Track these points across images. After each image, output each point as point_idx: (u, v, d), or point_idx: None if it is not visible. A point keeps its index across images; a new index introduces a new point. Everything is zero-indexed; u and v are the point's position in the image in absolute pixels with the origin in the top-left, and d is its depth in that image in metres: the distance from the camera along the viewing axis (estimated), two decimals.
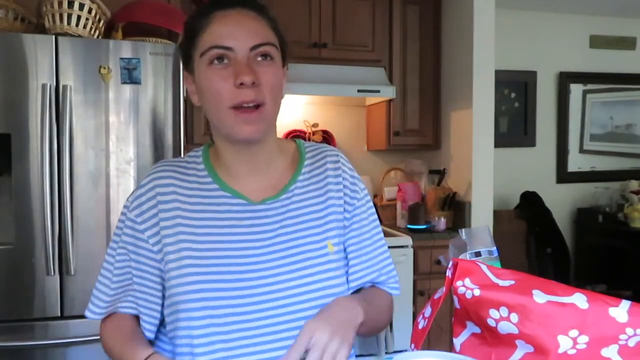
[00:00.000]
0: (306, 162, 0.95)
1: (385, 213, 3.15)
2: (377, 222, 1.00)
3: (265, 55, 0.85)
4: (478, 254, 0.80)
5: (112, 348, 0.87)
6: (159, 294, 0.89)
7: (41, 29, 2.14)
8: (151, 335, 0.90)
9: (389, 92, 2.90)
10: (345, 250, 0.94)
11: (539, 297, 0.64)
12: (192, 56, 0.87)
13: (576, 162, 4.06)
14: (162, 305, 0.90)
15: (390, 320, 1.00)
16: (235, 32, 0.83)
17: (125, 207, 0.91)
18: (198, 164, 0.93)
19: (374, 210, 1.00)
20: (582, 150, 4.08)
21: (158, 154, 2.06)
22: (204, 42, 0.84)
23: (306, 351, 0.71)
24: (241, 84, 0.81)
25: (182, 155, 2.09)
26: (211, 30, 0.84)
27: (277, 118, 0.91)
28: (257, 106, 0.83)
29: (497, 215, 3.28)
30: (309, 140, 3.12)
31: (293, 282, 0.85)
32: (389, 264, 0.98)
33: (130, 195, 0.92)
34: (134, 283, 0.89)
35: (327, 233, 0.90)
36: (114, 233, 0.93)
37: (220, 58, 0.83)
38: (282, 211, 0.89)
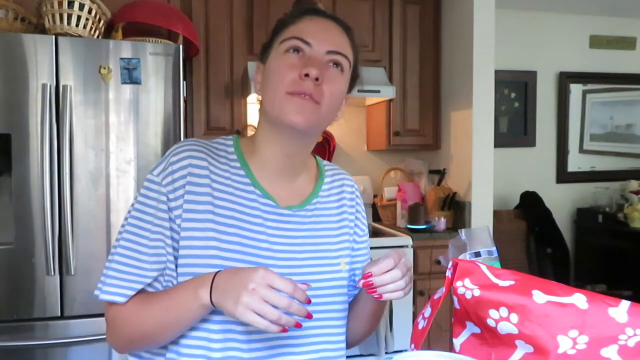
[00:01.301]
0: (326, 180, 0.99)
1: (385, 213, 3.15)
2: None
3: (336, 64, 0.87)
4: (478, 254, 0.80)
5: (147, 316, 0.80)
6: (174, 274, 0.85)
7: (41, 29, 2.14)
8: None
9: (389, 92, 2.90)
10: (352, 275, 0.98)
11: (539, 297, 0.64)
12: (272, 45, 0.90)
13: (576, 162, 4.06)
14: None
15: (377, 327, 1.05)
16: (318, 33, 0.86)
17: (152, 182, 0.84)
18: (229, 153, 0.91)
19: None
20: (582, 150, 4.08)
21: (158, 154, 2.06)
22: (287, 32, 0.87)
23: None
24: (306, 75, 0.82)
25: None
26: (298, 25, 0.87)
27: (320, 133, 0.95)
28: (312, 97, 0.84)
29: (497, 215, 3.28)
30: None
31: (308, 291, 0.86)
32: None
33: (154, 169, 0.86)
34: (167, 262, 0.83)
35: (341, 252, 0.94)
36: (137, 204, 0.84)
37: (295, 49, 0.85)
38: (304, 221, 0.91)
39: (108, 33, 2.28)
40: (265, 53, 0.91)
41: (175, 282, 0.84)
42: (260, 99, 0.91)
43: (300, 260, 0.88)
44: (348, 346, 0.97)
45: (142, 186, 0.86)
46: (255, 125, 3.27)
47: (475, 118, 2.81)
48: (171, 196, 0.83)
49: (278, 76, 0.84)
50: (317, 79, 0.82)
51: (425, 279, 2.71)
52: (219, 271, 0.77)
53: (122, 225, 0.85)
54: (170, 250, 0.83)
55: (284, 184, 0.92)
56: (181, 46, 2.11)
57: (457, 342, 0.73)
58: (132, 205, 0.86)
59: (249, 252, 0.84)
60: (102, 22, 2.19)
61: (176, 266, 0.84)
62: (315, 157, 1.02)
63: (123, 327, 0.83)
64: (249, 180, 0.89)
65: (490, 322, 0.66)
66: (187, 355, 0.82)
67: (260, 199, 0.88)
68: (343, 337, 0.94)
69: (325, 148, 3.18)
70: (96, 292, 0.83)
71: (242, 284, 0.71)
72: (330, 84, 0.84)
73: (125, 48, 2.02)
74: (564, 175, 4.03)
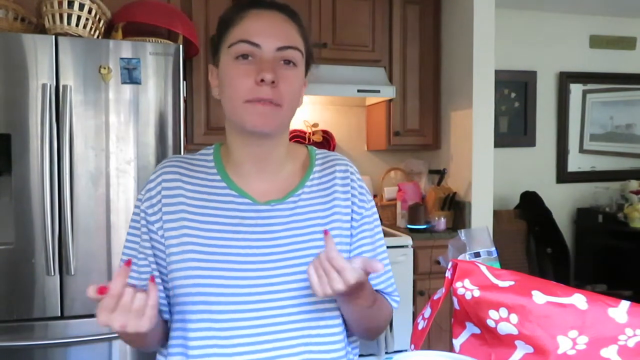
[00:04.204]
0: (315, 169, 0.96)
1: (385, 213, 3.15)
2: (382, 234, 1.01)
3: (289, 61, 0.86)
4: (477, 255, 0.80)
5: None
6: (166, 290, 0.91)
7: (41, 29, 2.14)
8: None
9: (389, 92, 2.90)
10: (350, 257, 0.93)
11: (539, 297, 0.64)
12: (220, 48, 0.89)
13: (576, 162, 4.06)
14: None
15: (384, 330, 1.01)
16: (265, 31, 0.85)
17: (138, 200, 0.93)
18: (208, 162, 0.94)
19: (379, 222, 1.01)
20: (582, 150, 4.08)
21: (158, 154, 2.06)
22: (233, 35, 0.86)
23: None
24: (262, 80, 0.82)
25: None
26: (243, 25, 0.86)
27: (290, 124, 0.94)
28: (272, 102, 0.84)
29: (497, 215, 3.28)
30: (309, 140, 3.12)
31: (292, 284, 0.85)
32: (392, 277, 0.98)
33: (142, 189, 0.94)
34: (152, 272, 0.90)
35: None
36: (131, 228, 0.94)
37: (245, 55, 0.84)
38: (286, 214, 0.90)
39: (108, 33, 2.28)
40: (216, 56, 0.91)
41: (171, 292, 0.89)
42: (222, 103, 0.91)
43: (285, 254, 0.87)
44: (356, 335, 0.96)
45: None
46: None
47: (475, 118, 2.81)
48: (149, 211, 0.90)
49: (233, 86, 0.84)
50: (272, 82, 0.82)
51: (425, 279, 2.71)
52: None
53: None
54: (152, 259, 0.90)
55: (265, 180, 0.92)
56: (181, 46, 2.11)
57: (457, 342, 0.73)
58: None
59: (227, 252, 0.86)
60: (102, 22, 2.19)
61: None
62: (307, 148, 1.01)
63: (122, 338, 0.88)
64: (225, 184, 0.91)
65: (490, 323, 0.66)
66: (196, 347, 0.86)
67: (237, 198, 0.90)
68: (341, 329, 0.91)
69: (325, 148, 3.18)
70: None
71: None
72: (287, 82, 0.85)
73: (125, 48, 2.02)
74: (564, 175, 4.03)
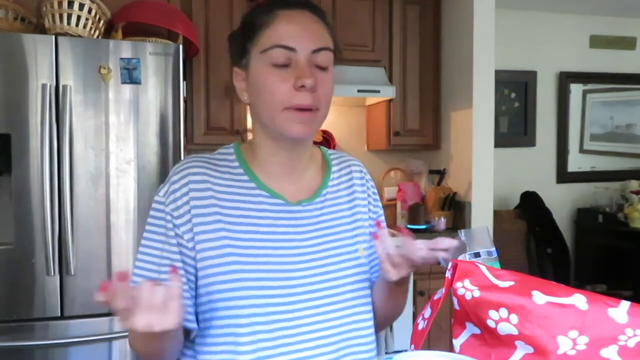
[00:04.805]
0: (333, 169, 0.98)
1: (385, 213, 3.13)
2: None
3: (324, 67, 0.86)
4: (477, 255, 0.80)
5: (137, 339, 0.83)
6: (193, 293, 0.86)
7: (41, 29, 2.14)
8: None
9: (389, 92, 2.90)
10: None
11: (539, 298, 0.64)
12: (249, 51, 0.86)
13: (576, 162, 4.06)
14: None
15: (396, 318, 1.04)
16: (299, 33, 0.83)
17: (158, 202, 0.87)
18: (231, 161, 0.92)
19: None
20: (582, 150, 4.08)
21: (158, 154, 2.06)
22: (267, 39, 0.84)
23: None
24: (302, 86, 0.81)
25: (182, 156, 2.09)
26: (275, 27, 0.83)
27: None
28: (311, 109, 0.84)
29: (497, 215, 3.27)
30: None
31: (326, 283, 0.87)
32: None
33: (160, 191, 0.88)
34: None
35: (357, 238, 0.94)
36: (147, 225, 0.88)
37: (283, 65, 0.82)
38: (316, 214, 0.91)
39: (108, 33, 2.28)
40: (243, 59, 0.88)
41: (194, 293, 0.85)
42: (251, 107, 0.90)
43: (318, 253, 0.88)
44: (377, 330, 0.98)
45: (151, 208, 0.88)
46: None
47: (475, 118, 2.81)
48: (175, 214, 0.85)
49: (270, 92, 0.83)
50: (312, 87, 0.82)
51: (425, 279, 2.71)
52: None
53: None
54: (180, 265, 0.83)
55: (292, 180, 0.92)
56: (181, 46, 2.11)
57: (457, 342, 0.73)
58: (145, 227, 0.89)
59: (266, 254, 0.85)
60: (102, 22, 2.19)
61: (196, 278, 0.85)
62: (320, 148, 1.02)
63: (134, 349, 0.84)
64: (254, 184, 0.89)
65: (490, 323, 0.66)
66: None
67: (268, 199, 0.89)
68: (371, 323, 0.94)
69: None
70: None
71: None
72: (324, 86, 0.85)
73: (125, 48, 2.02)
74: (564, 175, 4.03)
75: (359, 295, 0.91)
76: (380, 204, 1.04)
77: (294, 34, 0.83)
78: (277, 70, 0.83)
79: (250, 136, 2.80)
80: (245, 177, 0.90)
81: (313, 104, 0.83)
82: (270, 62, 0.83)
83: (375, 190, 1.04)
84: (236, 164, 0.91)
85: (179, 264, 0.83)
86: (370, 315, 0.94)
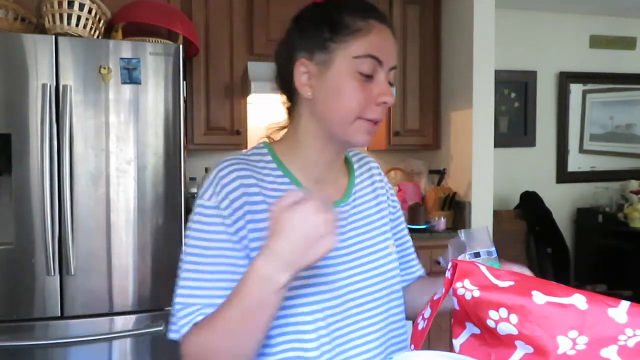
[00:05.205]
0: (355, 167, 1.01)
1: None
2: None
3: (391, 84, 0.87)
4: (477, 255, 0.80)
5: (220, 331, 0.76)
6: None
7: (41, 29, 2.14)
8: None
9: None
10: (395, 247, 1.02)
11: (538, 298, 0.64)
12: (333, 50, 0.84)
13: (576, 162, 4.06)
14: None
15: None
16: (389, 50, 0.86)
17: (209, 207, 0.83)
18: (268, 162, 0.90)
19: None
20: (582, 150, 4.09)
21: (158, 154, 2.06)
22: (360, 46, 0.83)
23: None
24: (384, 102, 0.84)
25: (182, 156, 2.10)
26: (371, 38, 0.84)
27: None
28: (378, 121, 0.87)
29: (497, 215, 3.28)
30: None
31: (366, 282, 0.90)
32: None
33: (204, 194, 0.84)
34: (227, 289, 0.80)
35: (386, 234, 0.97)
36: (194, 232, 0.83)
37: (367, 75, 0.83)
38: (351, 213, 0.93)
39: (108, 33, 2.28)
40: (320, 51, 0.84)
41: None
42: (310, 105, 0.87)
43: (355, 253, 0.90)
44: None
45: (195, 213, 0.84)
46: (254, 126, 3.22)
47: (475, 118, 2.81)
48: (233, 218, 0.82)
49: (349, 98, 0.83)
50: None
51: None
52: (259, 256, 0.73)
53: (181, 260, 0.84)
54: (236, 269, 0.80)
55: (331, 182, 0.94)
56: (181, 46, 2.11)
57: (457, 342, 0.73)
58: (187, 234, 0.84)
59: None
60: (102, 22, 2.19)
61: None
62: None
63: (198, 350, 0.79)
64: (296, 187, 0.89)
65: (490, 323, 0.66)
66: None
67: None
68: (404, 315, 0.98)
69: None
70: (172, 335, 0.81)
71: (313, 236, 0.71)
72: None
73: (125, 48, 2.02)
74: (564, 175, 4.03)
75: (394, 290, 0.94)
76: (397, 198, 1.07)
77: (385, 49, 0.85)
78: (362, 79, 0.83)
79: (249, 135, 2.80)
80: (286, 179, 0.88)
81: (380, 117, 0.86)
82: (358, 69, 0.83)
83: (390, 185, 1.07)
84: (273, 164, 0.89)
85: (233, 277, 0.79)
86: (402, 308, 0.98)
